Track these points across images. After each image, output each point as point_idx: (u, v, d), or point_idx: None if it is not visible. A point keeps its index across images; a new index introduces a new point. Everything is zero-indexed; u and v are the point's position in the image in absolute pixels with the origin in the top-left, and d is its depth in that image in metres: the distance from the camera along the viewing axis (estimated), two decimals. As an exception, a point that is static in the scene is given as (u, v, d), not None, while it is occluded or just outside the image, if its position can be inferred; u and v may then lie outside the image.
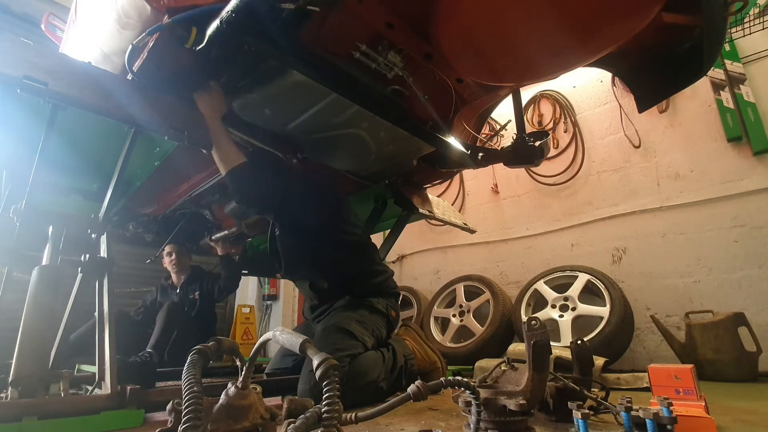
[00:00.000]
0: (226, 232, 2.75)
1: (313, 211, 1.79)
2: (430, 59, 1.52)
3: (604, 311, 2.65)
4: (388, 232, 2.57)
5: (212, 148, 1.58)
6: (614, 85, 3.36)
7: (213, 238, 2.89)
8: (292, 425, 0.63)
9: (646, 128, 3.21)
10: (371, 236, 2.24)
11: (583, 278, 2.87)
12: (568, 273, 2.98)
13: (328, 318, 1.73)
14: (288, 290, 4.72)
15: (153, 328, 2.87)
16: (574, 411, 0.84)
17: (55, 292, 1.36)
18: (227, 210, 2.30)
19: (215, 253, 3.01)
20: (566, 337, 2.69)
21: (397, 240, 2.51)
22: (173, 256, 3.06)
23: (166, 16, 1.20)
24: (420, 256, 4.42)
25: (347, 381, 1.40)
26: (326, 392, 0.60)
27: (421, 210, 2.40)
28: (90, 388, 1.35)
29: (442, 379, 0.78)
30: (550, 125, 3.68)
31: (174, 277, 3.13)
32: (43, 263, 1.45)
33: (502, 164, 1.85)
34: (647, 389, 1.74)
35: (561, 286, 2.97)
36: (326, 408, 0.59)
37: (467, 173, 4.13)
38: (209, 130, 1.56)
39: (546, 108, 3.77)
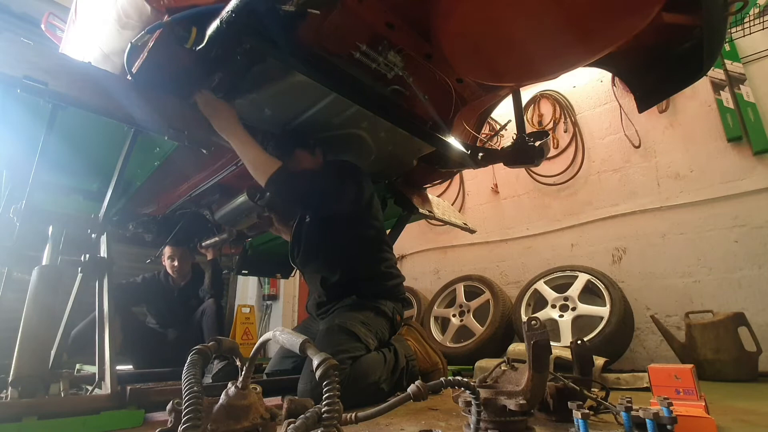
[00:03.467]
0: (216, 239, 2.72)
1: (350, 202, 1.81)
2: (430, 59, 1.53)
3: (604, 311, 2.65)
4: (388, 232, 2.58)
5: (241, 160, 1.62)
6: (614, 85, 3.36)
7: (203, 245, 2.84)
8: (292, 425, 0.63)
9: (646, 128, 3.21)
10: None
11: (583, 278, 2.87)
12: (568, 273, 2.98)
13: (332, 316, 1.71)
14: (288, 290, 4.71)
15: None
16: (574, 411, 0.84)
17: (55, 292, 1.36)
18: (218, 216, 2.30)
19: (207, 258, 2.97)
20: (566, 337, 2.68)
21: (397, 240, 2.51)
22: (175, 262, 2.89)
23: (166, 16, 1.20)
24: (420, 256, 4.42)
25: (348, 382, 1.40)
26: (326, 392, 0.60)
27: (421, 210, 2.40)
28: (90, 388, 1.35)
29: (442, 379, 0.78)
30: (550, 125, 3.68)
31: (173, 279, 3.01)
32: (43, 263, 1.45)
33: (502, 164, 1.85)
34: (647, 389, 1.74)
35: (561, 286, 2.97)
36: (326, 408, 0.59)
37: (467, 173, 4.13)
38: (232, 143, 1.58)
39: (546, 108, 3.77)
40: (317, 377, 0.61)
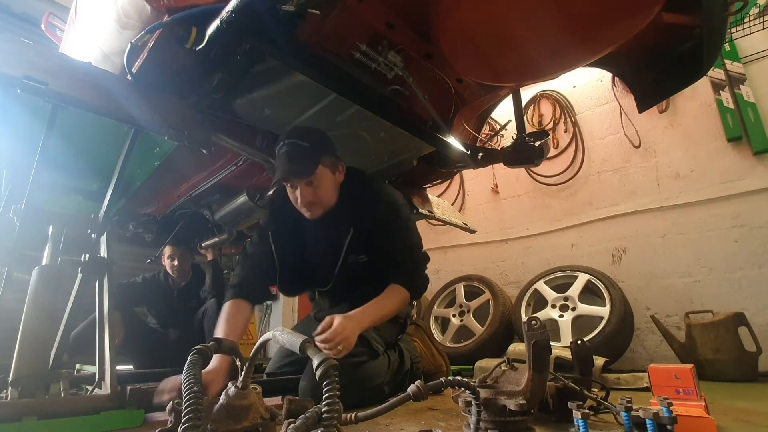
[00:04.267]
0: (216, 239, 2.73)
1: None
2: (430, 59, 1.53)
3: (604, 311, 2.65)
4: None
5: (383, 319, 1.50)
6: (614, 85, 3.36)
7: (203, 245, 2.84)
8: (292, 425, 0.63)
9: (646, 128, 3.21)
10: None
11: (583, 278, 2.87)
12: (568, 273, 2.98)
13: None
14: (288, 290, 4.69)
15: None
16: (574, 411, 0.84)
17: (55, 292, 1.36)
18: (218, 216, 2.30)
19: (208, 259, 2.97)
20: (566, 337, 2.69)
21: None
22: (175, 261, 2.88)
23: (166, 16, 1.20)
24: (420, 256, 4.41)
25: (351, 386, 1.34)
26: (326, 392, 0.60)
27: (421, 210, 2.40)
28: (90, 388, 1.35)
29: (442, 379, 0.78)
30: (550, 125, 3.68)
31: (174, 279, 3.00)
32: (43, 263, 1.45)
33: (502, 164, 1.85)
34: (647, 389, 1.74)
35: (561, 286, 2.97)
36: (326, 408, 0.59)
37: (467, 173, 4.13)
38: (377, 322, 1.47)
39: (546, 108, 3.77)
40: (317, 377, 0.61)
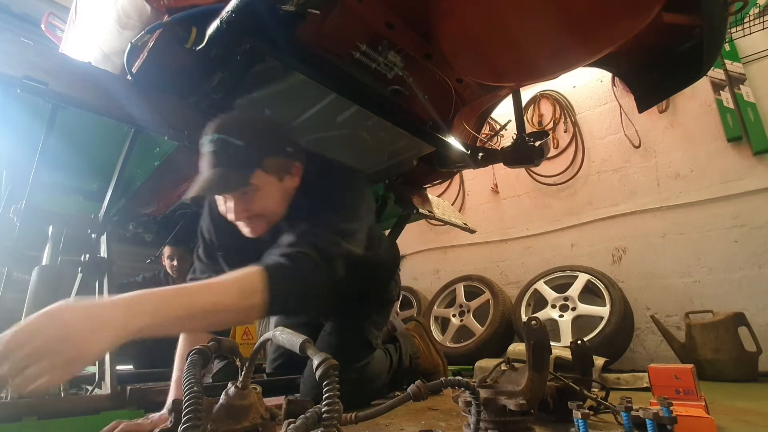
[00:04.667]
0: None
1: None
2: (430, 59, 1.53)
3: (604, 311, 2.65)
4: (388, 232, 2.57)
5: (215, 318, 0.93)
6: (614, 85, 3.36)
7: None
8: (292, 425, 0.63)
9: (646, 128, 3.20)
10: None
11: (583, 278, 2.87)
12: (568, 273, 2.98)
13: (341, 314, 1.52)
14: (288, 290, 4.70)
15: None
16: (574, 411, 0.84)
17: (55, 292, 1.36)
18: None
19: None
20: (566, 337, 2.69)
21: (397, 240, 2.51)
22: (174, 262, 2.89)
23: (166, 16, 1.20)
24: (420, 256, 4.41)
25: (353, 389, 1.27)
26: (326, 392, 0.60)
27: (421, 210, 2.40)
28: (90, 388, 1.35)
29: (442, 379, 0.78)
30: (550, 125, 3.68)
31: (173, 279, 2.98)
32: (43, 263, 1.45)
33: (502, 164, 1.85)
34: (647, 389, 1.74)
35: (561, 286, 2.97)
36: (326, 408, 0.59)
37: (467, 173, 4.13)
38: (169, 324, 0.86)
39: (546, 108, 3.77)
40: (317, 377, 0.61)
